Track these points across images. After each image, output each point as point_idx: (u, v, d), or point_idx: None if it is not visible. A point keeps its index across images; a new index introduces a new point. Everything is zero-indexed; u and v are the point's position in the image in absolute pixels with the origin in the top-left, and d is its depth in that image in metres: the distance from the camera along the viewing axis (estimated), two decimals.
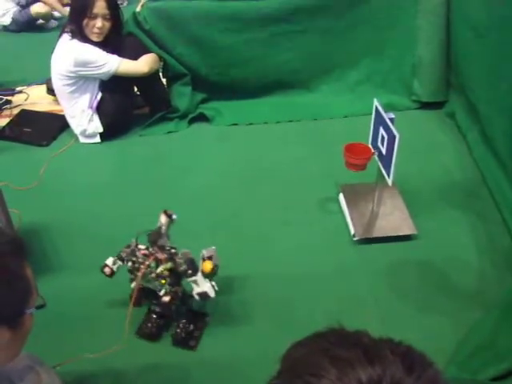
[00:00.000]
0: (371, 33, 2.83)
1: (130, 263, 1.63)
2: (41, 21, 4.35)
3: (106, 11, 2.48)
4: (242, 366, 1.59)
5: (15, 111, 2.98)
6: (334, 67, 2.94)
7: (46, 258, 1.99)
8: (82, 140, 2.72)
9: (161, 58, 2.76)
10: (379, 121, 1.89)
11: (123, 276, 1.66)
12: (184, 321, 1.68)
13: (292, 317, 1.74)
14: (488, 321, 1.64)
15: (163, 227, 1.60)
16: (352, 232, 2.05)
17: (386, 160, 1.85)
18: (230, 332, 1.70)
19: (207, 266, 1.59)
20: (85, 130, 2.67)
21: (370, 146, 1.99)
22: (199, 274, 1.58)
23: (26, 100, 3.09)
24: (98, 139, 2.71)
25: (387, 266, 1.94)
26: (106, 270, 1.66)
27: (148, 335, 1.68)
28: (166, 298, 1.60)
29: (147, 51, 2.68)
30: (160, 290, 1.61)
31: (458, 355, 1.56)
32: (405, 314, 1.75)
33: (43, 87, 3.07)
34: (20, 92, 3.16)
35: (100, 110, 2.65)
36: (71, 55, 2.49)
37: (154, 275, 1.60)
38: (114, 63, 2.53)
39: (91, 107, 2.63)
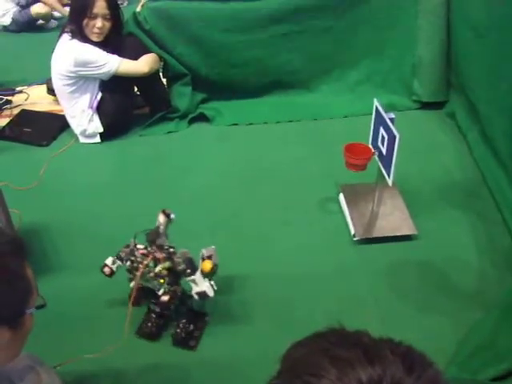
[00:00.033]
0: (371, 33, 2.83)
1: (128, 263, 1.63)
2: (41, 21, 4.35)
3: (106, 11, 2.48)
4: (242, 366, 1.59)
5: (15, 111, 2.98)
6: (334, 67, 2.94)
7: (46, 258, 1.99)
8: (82, 140, 2.72)
9: (161, 58, 2.76)
10: (379, 121, 1.89)
11: (123, 276, 1.66)
12: (184, 321, 1.69)
13: (292, 317, 1.74)
14: (488, 321, 1.64)
15: (161, 226, 1.60)
16: (352, 232, 2.05)
17: (386, 160, 1.85)
18: (229, 332, 1.70)
19: (207, 265, 1.59)
20: (85, 130, 2.67)
21: (370, 146, 1.99)
22: (198, 273, 1.58)
23: (26, 100, 3.09)
24: (98, 139, 2.71)
25: (387, 266, 1.94)
26: (106, 269, 1.67)
27: (148, 335, 1.68)
28: (165, 298, 1.60)
29: (147, 51, 2.68)
30: (159, 290, 1.61)
31: (458, 355, 1.56)
32: (405, 314, 1.75)
33: (43, 87, 3.07)
34: (20, 92, 3.16)
35: (100, 109, 2.65)
36: (71, 55, 2.49)
37: (152, 274, 1.60)
38: (114, 63, 2.53)
39: (91, 107, 2.63)
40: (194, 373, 1.59)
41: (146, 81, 2.69)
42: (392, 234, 2.03)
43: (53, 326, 1.64)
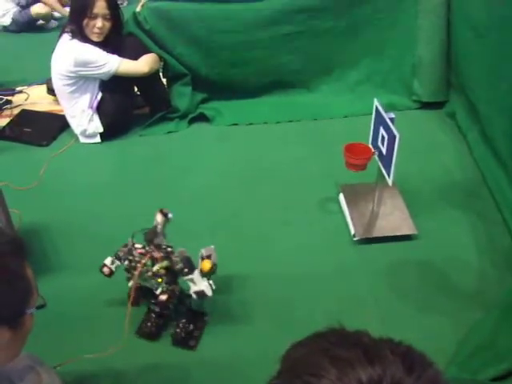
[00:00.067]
0: (371, 33, 2.83)
1: (126, 262, 1.63)
2: (41, 21, 4.35)
3: (106, 11, 2.48)
4: (242, 366, 1.59)
5: (15, 111, 2.98)
6: (334, 67, 2.94)
7: (46, 258, 1.99)
8: (82, 140, 2.72)
9: (161, 58, 2.76)
10: (379, 121, 1.89)
11: (123, 276, 1.65)
12: (184, 320, 1.69)
13: (292, 317, 1.74)
14: (488, 321, 1.64)
15: (159, 226, 1.60)
16: (352, 232, 2.05)
17: (386, 160, 1.85)
18: (229, 332, 1.70)
19: (206, 264, 1.59)
20: (85, 130, 2.67)
21: (370, 145, 1.99)
22: (196, 272, 1.59)
23: (26, 100, 3.09)
24: (98, 139, 2.71)
25: (387, 266, 1.94)
26: (105, 269, 1.67)
27: (148, 335, 1.68)
28: (163, 297, 1.60)
29: (147, 51, 2.68)
30: (157, 289, 1.61)
31: (458, 355, 1.56)
32: (405, 314, 1.75)
33: (43, 87, 3.07)
34: (20, 92, 3.16)
35: (100, 109, 2.65)
36: (71, 55, 2.49)
37: (150, 274, 1.60)
38: (114, 63, 2.54)
39: (91, 107, 2.63)
40: (194, 373, 1.59)
41: (146, 81, 2.69)
42: (392, 234, 2.03)
43: (53, 326, 1.64)
